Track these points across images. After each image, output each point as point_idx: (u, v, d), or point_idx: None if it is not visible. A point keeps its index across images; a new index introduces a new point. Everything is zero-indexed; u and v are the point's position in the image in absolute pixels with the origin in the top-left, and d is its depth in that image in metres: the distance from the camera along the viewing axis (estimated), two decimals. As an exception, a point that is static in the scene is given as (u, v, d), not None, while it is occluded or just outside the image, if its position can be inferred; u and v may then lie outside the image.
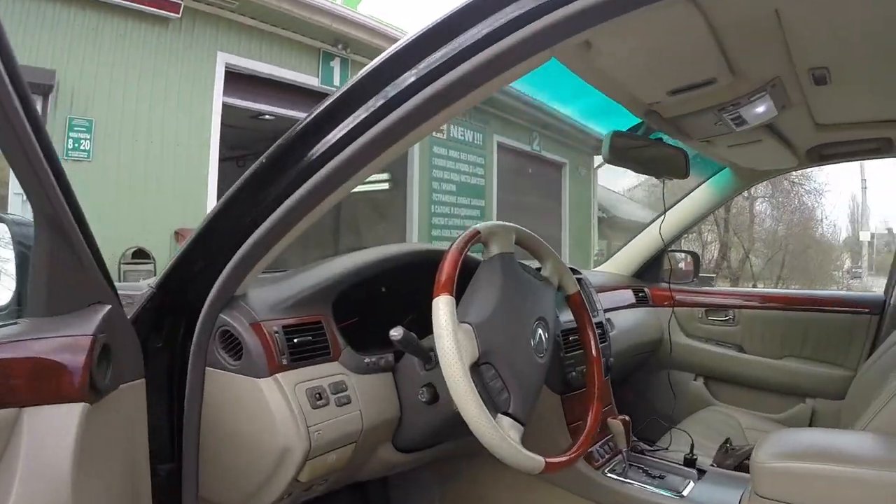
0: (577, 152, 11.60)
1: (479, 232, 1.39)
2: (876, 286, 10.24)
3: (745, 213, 12.15)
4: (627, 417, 1.84)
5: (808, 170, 10.65)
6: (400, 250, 1.64)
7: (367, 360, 1.40)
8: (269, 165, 1.15)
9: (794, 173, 10.66)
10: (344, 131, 1.07)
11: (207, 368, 1.25)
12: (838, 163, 2.44)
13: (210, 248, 1.22)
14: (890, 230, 12.77)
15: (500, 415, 1.26)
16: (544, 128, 10.70)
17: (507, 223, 1.48)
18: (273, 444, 1.21)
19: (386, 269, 1.56)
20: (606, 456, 1.87)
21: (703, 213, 2.81)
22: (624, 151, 1.90)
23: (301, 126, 1.14)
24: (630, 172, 12.74)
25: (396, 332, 1.26)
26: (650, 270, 2.90)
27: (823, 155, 2.34)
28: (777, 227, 12.09)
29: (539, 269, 1.59)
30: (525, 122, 10.35)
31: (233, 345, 1.25)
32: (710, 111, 1.73)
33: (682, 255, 3.07)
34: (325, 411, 1.27)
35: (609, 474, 1.80)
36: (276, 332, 1.26)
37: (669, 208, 2.72)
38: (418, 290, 1.40)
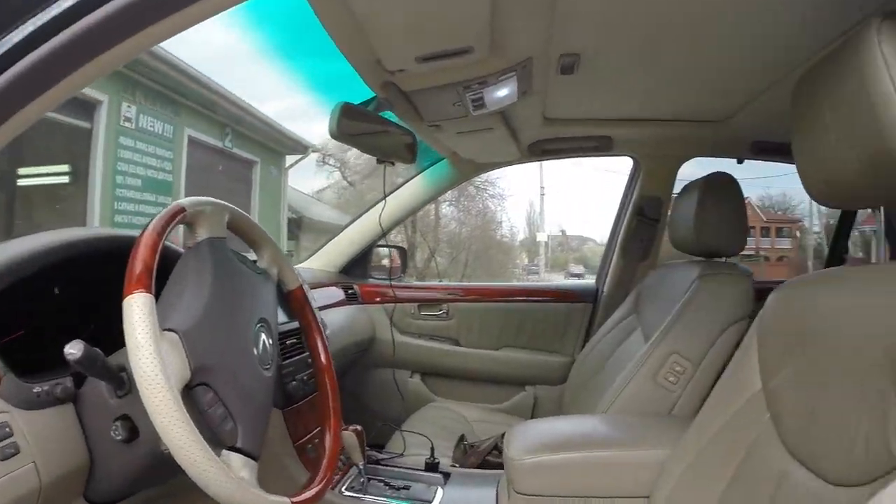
0: (269, 152, 11.26)
1: (183, 209, 1.05)
2: (552, 279, 11.55)
3: (431, 216, 12.82)
4: (360, 427, 1.63)
5: (494, 176, 11.63)
6: (76, 236, 1.20)
7: (37, 389, 0.98)
8: None
9: (478, 179, 11.50)
10: None
11: None
12: (557, 158, 2.49)
13: None
14: (563, 232, 14.56)
15: (225, 451, 0.96)
16: (238, 124, 10.17)
17: (217, 200, 1.16)
18: None
19: (59, 260, 1.12)
20: (340, 472, 1.66)
21: (416, 206, 2.68)
22: (353, 127, 1.67)
23: None
24: (321, 173, 12.89)
25: (74, 349, 0.88)
26: (358, 266, 2.71)
27: (546, 150, 2.36)
28: (461, 229, 12.93)
29: (255, 261, 1.29)
30: (218, 116, 9.70)
31: None
32: (453, 88, 1.59)
33: (389, 250, 2.91)
34: (-18, 470, 0.87)
35: (347, 493, 1.58)
36: None
37: (390, 193, 2.57)
38: (103, 290, 1.04)
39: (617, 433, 1.44)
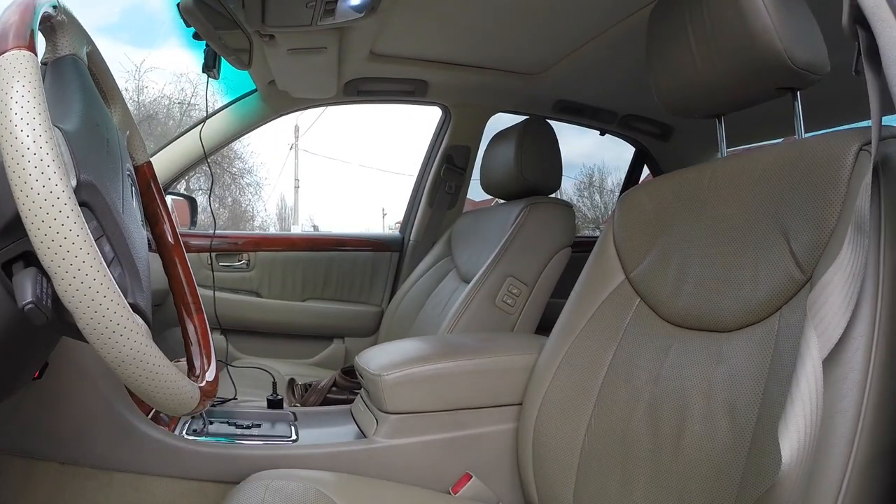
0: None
1: (57, 6, 0.72)
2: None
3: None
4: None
5: (251, 164, 11.02)
6: None
7: None
8: None
9: (234, 168, 10.76)
10: None
11: None
12: (371, 102, 2.30)
13: None
14: (315, 228, 14.23)
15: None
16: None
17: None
18: None
19: None
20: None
21: (221, 143, 2.27)
22: (204, 8, 1.34)
23: None
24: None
25: None
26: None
27: (362, 90, 2.16)
28: (215, 221, 12.07)
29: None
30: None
31: None
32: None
33: (173, 199, 2.47)
34: None
35: (190, 436, 1.25)
36: None
37: (186, 132, 2.19)
38: None
39: (480, 344, 1.33)
